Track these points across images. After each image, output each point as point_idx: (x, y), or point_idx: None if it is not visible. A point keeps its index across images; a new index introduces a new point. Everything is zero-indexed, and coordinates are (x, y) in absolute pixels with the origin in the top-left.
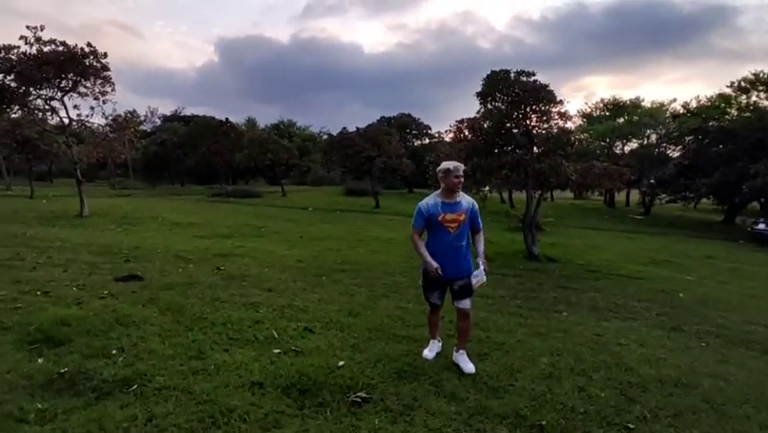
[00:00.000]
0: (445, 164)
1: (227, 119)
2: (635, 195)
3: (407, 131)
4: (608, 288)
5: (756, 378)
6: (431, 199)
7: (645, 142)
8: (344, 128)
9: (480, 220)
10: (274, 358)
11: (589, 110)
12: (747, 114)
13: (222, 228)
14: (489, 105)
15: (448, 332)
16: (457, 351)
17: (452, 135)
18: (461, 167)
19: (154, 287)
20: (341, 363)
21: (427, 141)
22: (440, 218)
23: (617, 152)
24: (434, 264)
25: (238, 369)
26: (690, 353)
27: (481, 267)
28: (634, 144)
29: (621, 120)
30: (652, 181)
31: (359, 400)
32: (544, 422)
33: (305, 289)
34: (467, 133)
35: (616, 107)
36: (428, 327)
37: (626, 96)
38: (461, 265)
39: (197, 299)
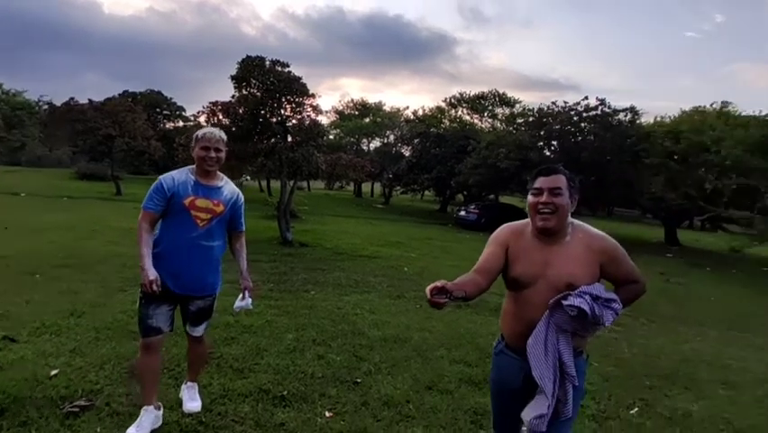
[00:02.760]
0: (198, 131)
1: None
2: (378, 187)
3: (158, 110)
4: (352, 267)
5: (450, 327)
6: (181, 174)
7: (386, 141)
8: (72, 98)
9: (243, 220)
10: None
11: (341, 108)
12: (455, 124)
13: None
14: (245, 91)
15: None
16: (186, 383)
17: (204, 117)
18: (218, 137)
19: None
20: (54, 372)
21: (181, 123)
22: (187, 202)
23: (365, 148)
24: (151, 275)
25: None
26: (407, 314)
27: (248, 297)
28: (378, 143)
29: (367, 120)
30: (390, 175)
31: (76, 409)
32: (285, 392)
33: (6, 291)
34: (221, 116)
35: (363, 108)
36: (141, 382)
37: (373, 99)
38: (205, 279)
39: None
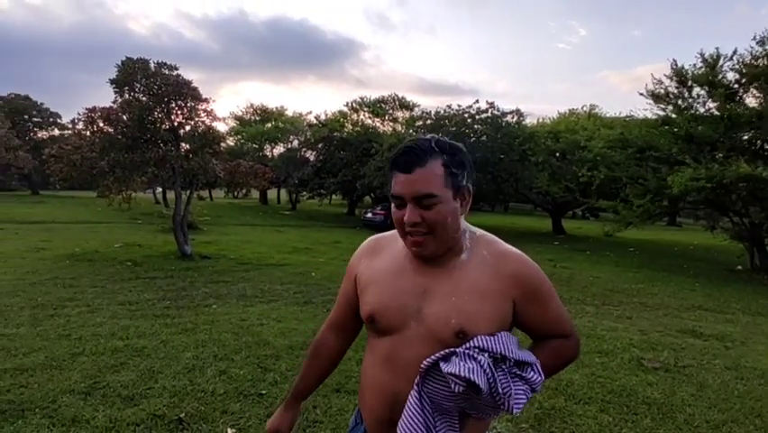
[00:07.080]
0: None
1: None
2: (285, 193)
3: (26, 117)
4: (257, 277)
5: None
6: None
7: (290, 146)
8: None
9: None
10: None
11: (241, 113)
12: (358, 128)
13: None
14: (128, 96)
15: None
16: None
17: (80, 126)
18: None
19: None
20: None
21: (57, 132)
22: None
23: (267, 154)
24: None
25: None
26: (315, 320)
27: None
28: (281, 148)
29: (269, 125)
30: (296, 181)
31: None
32: (183, 414)
33: None
34: (102, 124)
35: (264, 113)
36: None
37: (276, 103)
38: None
39: None
